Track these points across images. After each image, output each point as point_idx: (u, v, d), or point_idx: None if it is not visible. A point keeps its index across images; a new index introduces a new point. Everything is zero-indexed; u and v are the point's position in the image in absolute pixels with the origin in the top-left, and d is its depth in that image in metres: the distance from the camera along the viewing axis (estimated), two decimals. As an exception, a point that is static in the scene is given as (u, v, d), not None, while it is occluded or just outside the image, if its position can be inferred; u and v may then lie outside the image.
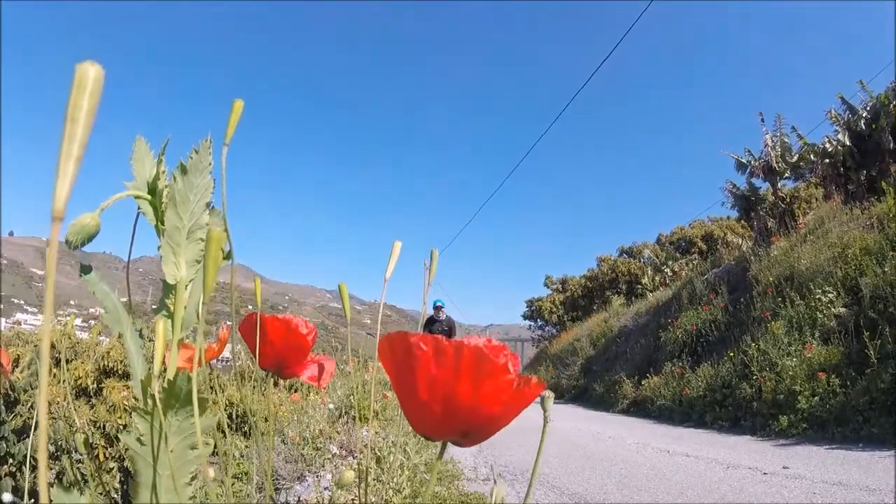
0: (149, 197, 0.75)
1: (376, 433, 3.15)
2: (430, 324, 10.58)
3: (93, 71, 0.33)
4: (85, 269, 0.73)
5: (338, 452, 3.16)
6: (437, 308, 10.89)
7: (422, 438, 3.48)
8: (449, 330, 10.55)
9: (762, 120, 12.18)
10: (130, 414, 3.40)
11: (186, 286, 0.73)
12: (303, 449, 3.01)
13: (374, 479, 2.57)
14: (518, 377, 0.48)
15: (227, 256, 0.75)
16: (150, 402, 0.68)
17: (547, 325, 33.89)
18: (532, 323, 35.54)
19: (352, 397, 4.14)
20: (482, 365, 0.46)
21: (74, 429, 2.88)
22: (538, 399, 0.56)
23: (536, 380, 0.48)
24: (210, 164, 0.74)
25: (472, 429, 0.50)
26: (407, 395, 0.50)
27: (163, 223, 0.73)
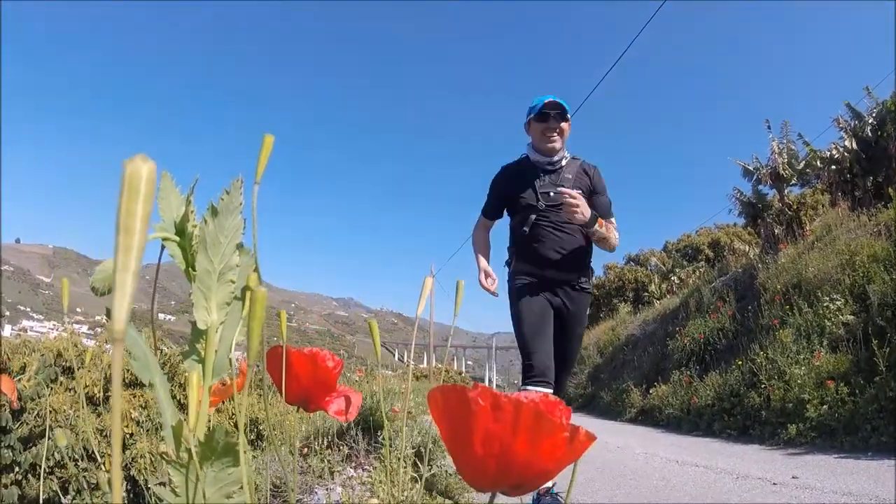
0: (177, 239, 0.73)
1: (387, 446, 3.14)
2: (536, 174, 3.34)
3: (146, 170, 0.28)
4: (111, 313, 0.72)
5: (348, 464, 3.16)
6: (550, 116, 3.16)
7: (432, 450, 3.46)
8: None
9: (769, 127, 12.18)
10: (137, 423, 3.40)
11: (217, 329, 0.72)
12: (311, 460, 3.01)
13: (386, 495, 2.56)
14: (570, 431, 0.48)
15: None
16: (184, 455, 0.67)
17: (554, 334, 33.75)
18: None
19: (361, 407, 4.12)
20: (541, 423, 0.46)
21: (82, 437, 2.89)
22: None
23: (585, 432, 0.48)
24: (241, 204, 0.73)
25: (525, 482, 0.50)
26: (460, 448, 0.50)
27: (193, 268, 0.71)
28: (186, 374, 0.71)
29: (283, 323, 0.93)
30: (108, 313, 0.75)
